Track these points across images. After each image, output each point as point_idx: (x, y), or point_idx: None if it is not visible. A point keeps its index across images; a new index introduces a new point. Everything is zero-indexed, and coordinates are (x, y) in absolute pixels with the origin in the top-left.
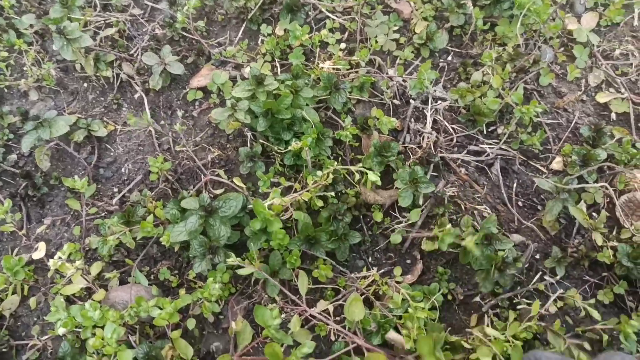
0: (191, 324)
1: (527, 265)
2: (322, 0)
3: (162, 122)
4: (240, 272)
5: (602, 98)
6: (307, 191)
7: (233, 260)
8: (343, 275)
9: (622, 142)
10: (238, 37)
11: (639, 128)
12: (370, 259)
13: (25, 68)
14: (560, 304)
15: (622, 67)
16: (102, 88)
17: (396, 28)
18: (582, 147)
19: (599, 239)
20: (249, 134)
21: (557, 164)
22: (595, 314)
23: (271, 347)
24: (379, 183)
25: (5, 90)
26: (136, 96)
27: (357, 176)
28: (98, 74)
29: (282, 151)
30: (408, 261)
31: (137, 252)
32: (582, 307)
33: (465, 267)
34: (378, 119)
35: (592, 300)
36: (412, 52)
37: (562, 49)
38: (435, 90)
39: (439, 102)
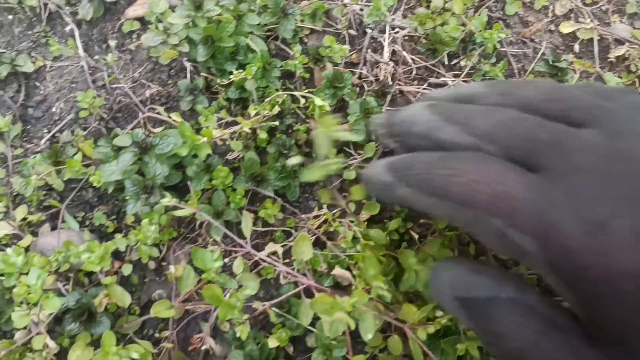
0: (127, 269)
1: None
2: None
3: (97, 56)
4: (178, 213)
5: (566, 28)
6: (250, 122)
7: (169, 200)
8: (294, 217)
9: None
10: None
11: (603, 59)
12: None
13: None
14: None
15: None
16: (29, 20)
17: None
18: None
19: None
20: (188, 66)
21: None
22: None
23: (210, 289)
24: (327, 109)
25: None
26: (67, 29)
27: (303, 101)
28: (22, 4)
29: (226, 83)
30: (363, 201)
31: (68, 196)
32: None
33: None
34: (330, 47)
35: None
36: None
37: None
38: (393, 19)
39: (398, 30)
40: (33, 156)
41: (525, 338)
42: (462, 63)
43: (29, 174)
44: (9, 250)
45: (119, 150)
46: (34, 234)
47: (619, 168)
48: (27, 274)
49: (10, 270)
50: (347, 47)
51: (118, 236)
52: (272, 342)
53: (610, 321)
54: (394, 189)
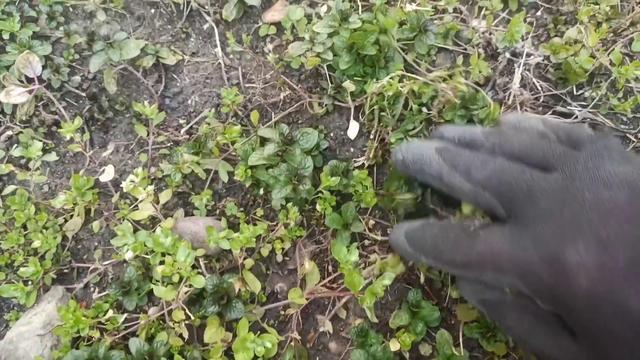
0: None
1: None
2: None
3: (232, 55)
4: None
5: None
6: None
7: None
8: None
9: None
10: None
11: None
12: None
13: None
14: None
15: None
16: (169, 15)
17: None
18: None
19: None
20: (325, 72)
21: None
22: None
23: (351, 275)
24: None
25: (71, 9)
26: (205, 26)
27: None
28: (168, 0)
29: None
30: None
31: (201, 185)
32: None
33: None
34: (467, 68)
35: None
36: (500, 2)
37: None
38: (523, 46)
39: (530, 56)
40: (171, 144)
41: (522, 328)
42: (587, 94)
43: (179, 162)
44: (158, 231)
45: (261, 143)
46: (168, 216)
47: (571, 208)
48: (171, 254)
49: (158, 249)
50: (487, 64)
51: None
52: (394, 345)
53: (574, 324)
54: (416, 257)
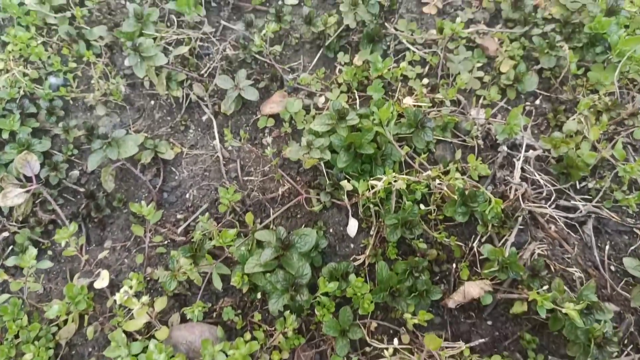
0: None
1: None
2: (404, 31)
3: (230, 147)
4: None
5: None
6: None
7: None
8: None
9: None
10: (313, 64)
11: None
12: (447, 316)
13: (92, 81)
14: None
15: None
16: (169, 107)
17: (480, 65)
18: None
19: None
20: (323, 169)
21: None
22: None
23: None
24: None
25: (71, 102)
26: (204, 118)
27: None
28: (168, 93)
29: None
30: (489, 322)
31: (198, 286)
32: None
33: (549, 334)
34: (465, 163)
35: None
36: (498, 92)
37: None
38: (523, 137)
39: (529, 150)
40: (168, 242)
41: None
42: (591, 185)
43: (174, 269)
44: (151, 345)
45: (259, 245)
46: (163, 322)
47: None
48: None
49: None
50: (485, 166)
51: (247, 336)
52: None
53: None
54: None
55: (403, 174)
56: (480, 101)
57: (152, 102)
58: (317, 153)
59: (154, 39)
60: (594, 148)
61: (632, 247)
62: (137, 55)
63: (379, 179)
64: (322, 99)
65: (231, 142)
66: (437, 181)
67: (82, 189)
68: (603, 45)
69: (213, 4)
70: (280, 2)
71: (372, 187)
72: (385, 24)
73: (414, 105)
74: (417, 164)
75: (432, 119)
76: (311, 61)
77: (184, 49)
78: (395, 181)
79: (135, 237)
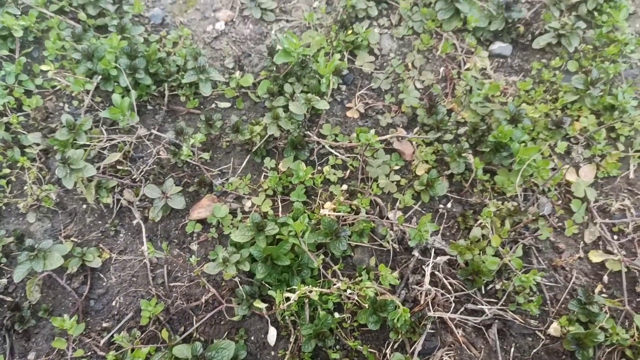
0: None
1: None
2: (328, 135)
3: (158, 253)
4: None
5: (595, 257)
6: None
7: None
8: None
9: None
10: (242, 167)
11: (630, 291)
12: None
13: (25, 187)
14: None
15: (619, 224)
16: (100, 212)
17: (397, 168)
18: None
19: None
20: (243, 278)
21: (554, 330)
22: None
23: None
24: None
25: (3, 207)
26: (134, 222)
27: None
28: (99, 201)
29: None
30: None
31: None
32: None
33: None
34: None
35: None
36: (413, 195)
37: (560, 201)
38: (434, 241)
39: (438, 256)
40: (91, 353)
41: None
42: (497, 287)
43: None
44: None
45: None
46: None
47: None
48: None
49: None
50: (395, 275)
51: None
52: None
53: None
54: None
55: (320, 282)
56: (397, 205)
57: (84, 206)
58: (233, 269)
59: (85, 149)
60: (498, 254)
61: (535, 350)
62: (66, 167)
63: (293, 291)
64: (249, 203)
65: (153, 253)
66: (349, 291)
67: (9, 298)
68: (508, 150)
69: (149, 107)
70: (213, 105)
71: (287, 299)
72: (309, 132)
73: (333, 213)
74: (330, 274)
75: (347, 227)
76: (241, 163)
77: (115, 157)
78: (310, 292)
79: (59, 350)
